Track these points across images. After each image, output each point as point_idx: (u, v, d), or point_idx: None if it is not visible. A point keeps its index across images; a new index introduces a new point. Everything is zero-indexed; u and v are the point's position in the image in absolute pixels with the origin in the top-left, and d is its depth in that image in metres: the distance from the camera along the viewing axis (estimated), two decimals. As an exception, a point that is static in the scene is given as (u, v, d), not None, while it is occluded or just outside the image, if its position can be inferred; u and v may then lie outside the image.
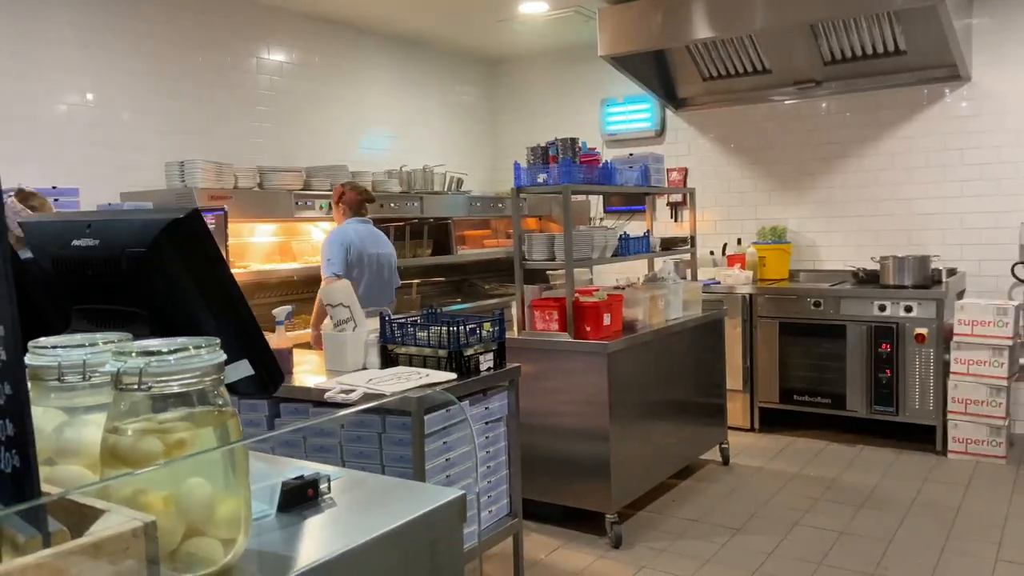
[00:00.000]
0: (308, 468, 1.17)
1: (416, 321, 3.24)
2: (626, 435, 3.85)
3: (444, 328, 3.08)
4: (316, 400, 2.94)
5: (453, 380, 2.95)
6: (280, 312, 3.28)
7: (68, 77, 4.37)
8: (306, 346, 3.97)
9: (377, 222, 5.45)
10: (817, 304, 5.32)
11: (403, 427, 2.83)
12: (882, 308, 5.12)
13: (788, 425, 5.49)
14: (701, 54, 5.80)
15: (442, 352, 3.07)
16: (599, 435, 3.74)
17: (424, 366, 3.11)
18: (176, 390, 0.82)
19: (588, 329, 3.76)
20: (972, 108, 5.38)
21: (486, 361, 3.15)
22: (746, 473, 4.74)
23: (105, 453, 0.81)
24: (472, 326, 3.12)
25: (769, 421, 5.52)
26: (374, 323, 3.30)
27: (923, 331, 4.98)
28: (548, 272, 5.58)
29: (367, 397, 2.80)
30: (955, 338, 4.90)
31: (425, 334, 3.15)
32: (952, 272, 5.34)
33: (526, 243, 3.92)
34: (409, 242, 5.62)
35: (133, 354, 0.81)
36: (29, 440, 0.65)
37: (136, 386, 0.80)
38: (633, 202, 6.39)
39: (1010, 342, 4.77)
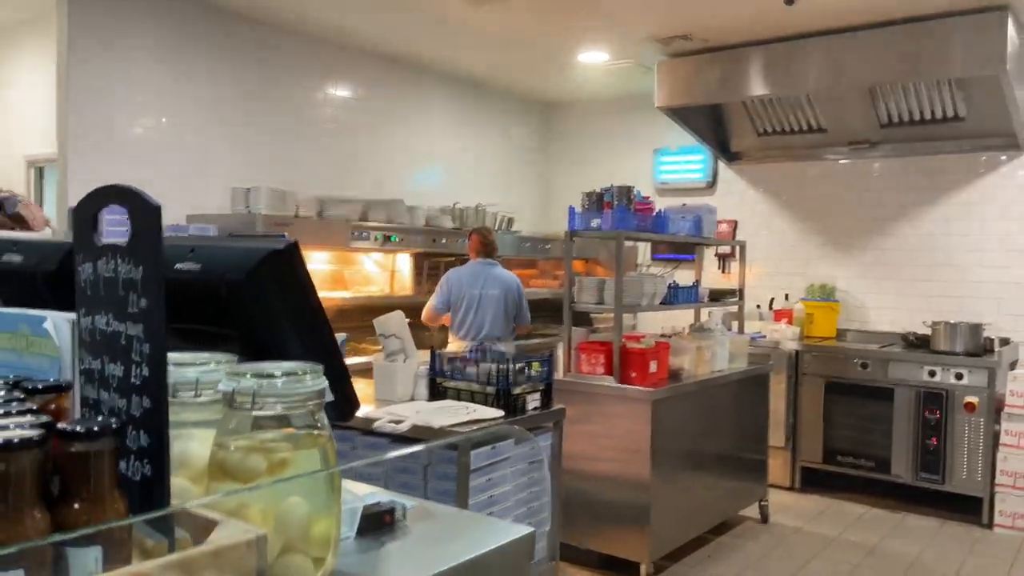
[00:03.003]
0: (382, 495, 1.21)
1: (466, 357, 3.28)
2: (666, 484, 3.83)
3: (494, 365, 3.12)
4: (363, 428, 2.99)
5: (500, 418, 2.98)
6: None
7: (145, 100, 4.56)
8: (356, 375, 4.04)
9: (428, 256, 5.58)
10: (864, 365, 5.25)
11: (449, 461, 2.86)
12: (932, 373, 5.04)
13: (830, 486, 5.40)
14: (756, 110, 5.85)
15: (490, 389, 3.11)
16: (639, 483, 3.72)
17: (472, 401, 3.15)
18: (283, 412, 0.87)
19: (634, 375, 3.77)
20: (1031, 177, 5.33)
21: (533, 401, 3.18)
22: (785, 533, 4.66)
23: (214, 467, 0.86)
24: (521, 365, 3.15)
25: (810, 481, 5.43)
26: (425, 355, 3.36)
27: (973, 399, 4.89)
28: (592, 316, 5.61)
29: (416, 429, 2.84)
30: (1006, 409, 4.80)
31: (475, 370, 3.19)
32: (1005, 342, 5.24)
33: (576, 286, 3.96)
34: (457, 278, 5.69)
35: (248, 375, 0.86)
36: (164, 453, 0.70)
37: (248, 406, 0.85)
38: (681, 251, 6.41)
39: (1064, 417, 4.66)
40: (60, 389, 0.83)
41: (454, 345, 4.63)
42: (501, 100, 6.94)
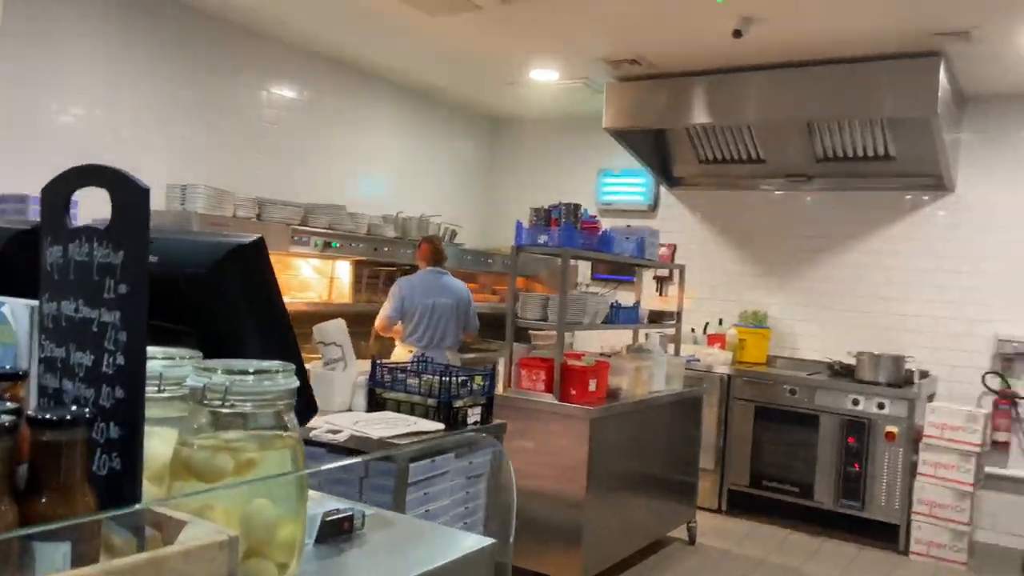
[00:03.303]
0: (337, 502, 1.17)
1: (407, 368, 3.24)
2: (601, 504, 3.84)
3: (436, 378, 3.09)
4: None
5: (441, 431, 2.94)
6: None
7: (77, 89, 4.39)
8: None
9: (369, 264, 5.51)
10: (793, 392, 5.40)
11: (386, 473, 2.81)
12: (855, 402, 5.20)
13: (755, 509, 5.50)
14: (699, 137, 5.99)
15: (431, 401, 3.07)
16: (574, 501, 3.72)
17: (411, 413, 3.10)
18: (253, 410, 0.84)
19: (573, 393, 3.78)
20: (954, 218, 5.58)
21: (474, 414, 3.15)
22: (712, 555, 4.73)
23: (177, 465, 0.82)
24: (464, 378, 3.13)
25: (737, 504, 5.53)
26: (365, 365, 3.30)
27: (894, 429, 5.07)
28: (531, 332, 5.62)
29: (354, 439, 2.78)
30: (924, 439, 4.99)
31: (416, 381, 3.15)
32: (925, 374, 5.46)
33: (520, 301, 3.96)
34: (397, 288, 5.63)
35: (218, 371, 0.82)
36: (137, 446, 0.66)
37: (219, 403, 0.81)
38: (620, 272, 6.49)
39: (978, 449, 4.87)
40: (16, 377, 0.78)
41: (403, 354, 4.58)
42: (449, 112, 6.93)
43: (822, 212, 6.01)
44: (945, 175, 5.37)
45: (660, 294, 6.51)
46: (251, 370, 0.83)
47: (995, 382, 5.37)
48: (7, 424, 0.57)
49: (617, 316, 4.26)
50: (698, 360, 5.66)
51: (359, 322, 4.67)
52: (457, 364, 4.39)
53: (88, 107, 4.45)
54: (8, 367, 0.80)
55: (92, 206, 1.17)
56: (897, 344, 5.60)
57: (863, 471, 5.15)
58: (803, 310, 6.08)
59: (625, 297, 5.46)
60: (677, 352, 5.07)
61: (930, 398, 5.37)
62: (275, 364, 0.87)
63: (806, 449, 5.32)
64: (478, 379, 3.17)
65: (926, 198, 5.67)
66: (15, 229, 1.20)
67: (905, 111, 4.84)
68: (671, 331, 5.12)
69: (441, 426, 2.97)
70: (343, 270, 5.54)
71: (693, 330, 6.15)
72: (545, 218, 3.96)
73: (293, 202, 4.94)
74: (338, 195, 5.67)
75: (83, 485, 0.64)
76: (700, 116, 5.45)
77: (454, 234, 6.05)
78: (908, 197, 5.72)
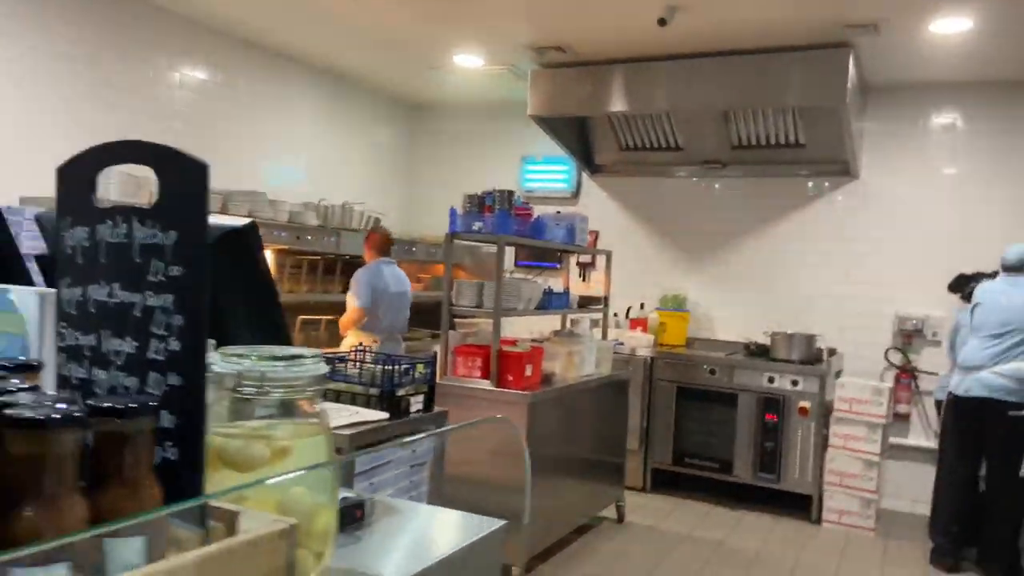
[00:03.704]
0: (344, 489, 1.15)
1: (348, 358, 3.18)
2: (539, 488, 3.88)
3: (378, 367, 3.05)
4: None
5: (385, 420, 2.91)
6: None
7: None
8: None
9: (291, 254, 5.37)
10: (712, 372, 5.58)
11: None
12: (771, 380, 5.43)
13: (678, 487, 5.67)
14: (621, 125, 6.09)
15: (374, 390, 3.03)
16: (515, 486, 3.75)
17: (353, 403, 3.06)
18: (287, 396, 0.81)
19: (510, 378, 3.81)
20: (857, 203, 5.88)
21: (416, 403, 3.13)
22: (640, 532, 4.85)
23: (211, 455, 0.79)
24: (406, 366, 3.10)
25: (661, 482, 5.70)
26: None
27: (806, 404, 5.31)
28: (455, 320, 5.61)
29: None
30: (835, 413, 5.25)
31: (357, 371, 3.10)
32: (832, 352, 5.74)
33: (455, 289, 3.95)
34: (321, 277, 5.53)
35: (252, 357, 0.79)
36: (198, 435, 0.63)
37: (254, 390, 0.78)
38: (545, 258, 6.55)
39: (884, 420, 5.16)
40: (32, 368, 0.73)
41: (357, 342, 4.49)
42: (370, 97, 6.81)
43: (737, 199, 6.22)
44: (851, 162, 5.64)
45: (583, 280, 6.61)
46: (284, 355, 0.81)
47: (897, 357, 5.71)
48: (76, 415, 0.54)
49: (550, 302, 4.30)
50: (622, 344, 5.78)
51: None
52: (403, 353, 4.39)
53: (-17, 88, 4.16)
54: (21, 358, 0.75)
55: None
56: (807, 323, 5.85)
57: (778, 445, 5.38)
58: (720, 293, 6.29)
59: (552, 284, 5.52)
60: (604, 336, 5.17)
61: (837, 374, 5.65)
62: (304, 350, 0.85)
63: (726, 426, 5.51)
64: (420, 367, 3.15)
65: (832, 184, 5.94)
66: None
67: (815, 100, 5.05)
68: (598, 316, 5.20)
69: (385, 415, 2.93)
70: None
71: (616, 314, 6.26)
72: (479, 204, 3.96)
73: (211, 189, 4.76)
74: (256, 182, 5.49)
75: (149, 476, 0.60)
76: (621, 104, 5.54)
77: (378, 221, 5.97)
78: (816, 183, 5.99)
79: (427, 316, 5.55)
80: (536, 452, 3.83)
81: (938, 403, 5.11)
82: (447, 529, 1.07)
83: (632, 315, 6.26)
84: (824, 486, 5.24)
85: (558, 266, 5.69)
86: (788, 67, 4.98)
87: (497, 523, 1.08)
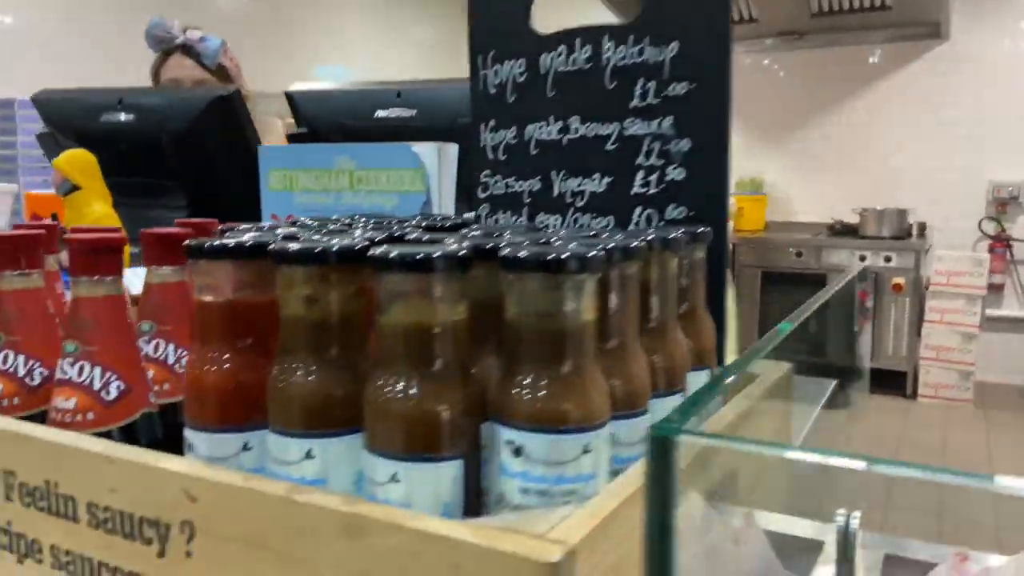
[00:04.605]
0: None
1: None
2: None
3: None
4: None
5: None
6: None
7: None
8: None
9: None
10: (799, 254, 5.43)
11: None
12: (862, 258, 5.27)
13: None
14: None
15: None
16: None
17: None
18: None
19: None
20: (947, 66, 5.55)
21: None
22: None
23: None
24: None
25: (749, 368, 5.63)
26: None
27: (901, 281, 5.17)
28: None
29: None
30: (931, 287, 5.11)
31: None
32: (923, 226, 5.54)
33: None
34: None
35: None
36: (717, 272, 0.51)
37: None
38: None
39: (984, 292, 5.01)
40: (462, 226, 0.61)
41: None
42: (416, -9, 6.48)
43: (814, 71, 5.91)
44: (942, 23, 5.29)
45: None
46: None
47: (991, 227, 5.50)
48: (637, 247, 0.42)
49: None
50: (703, 230, 5.62)
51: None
52: None
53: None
54: (422, 213, 0.63)
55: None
56: (893, 198, 5.64)
57: (872, 324, 5.26)
58: (799, 173, 6.06)
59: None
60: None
61: (927, 250, 5.48)
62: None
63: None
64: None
65: (921, 48, 5.60)
66: (211, 96, 1.09)
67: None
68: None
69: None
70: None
71: (690, 201, 6.09)
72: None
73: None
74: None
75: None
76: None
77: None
78: (905, 48, 5.65)
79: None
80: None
81: (1040, 270, 4.94)
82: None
83: (709, 201, 6.08)
84: (919, 361, 5.15)
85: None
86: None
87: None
